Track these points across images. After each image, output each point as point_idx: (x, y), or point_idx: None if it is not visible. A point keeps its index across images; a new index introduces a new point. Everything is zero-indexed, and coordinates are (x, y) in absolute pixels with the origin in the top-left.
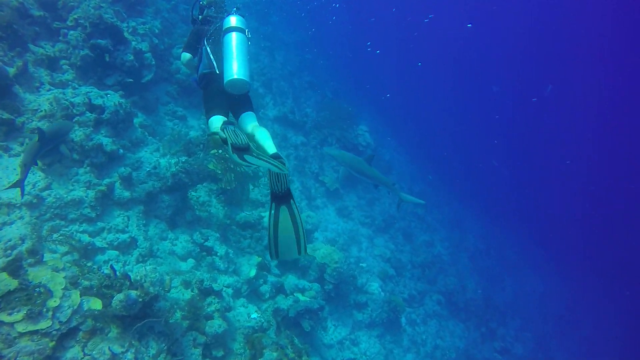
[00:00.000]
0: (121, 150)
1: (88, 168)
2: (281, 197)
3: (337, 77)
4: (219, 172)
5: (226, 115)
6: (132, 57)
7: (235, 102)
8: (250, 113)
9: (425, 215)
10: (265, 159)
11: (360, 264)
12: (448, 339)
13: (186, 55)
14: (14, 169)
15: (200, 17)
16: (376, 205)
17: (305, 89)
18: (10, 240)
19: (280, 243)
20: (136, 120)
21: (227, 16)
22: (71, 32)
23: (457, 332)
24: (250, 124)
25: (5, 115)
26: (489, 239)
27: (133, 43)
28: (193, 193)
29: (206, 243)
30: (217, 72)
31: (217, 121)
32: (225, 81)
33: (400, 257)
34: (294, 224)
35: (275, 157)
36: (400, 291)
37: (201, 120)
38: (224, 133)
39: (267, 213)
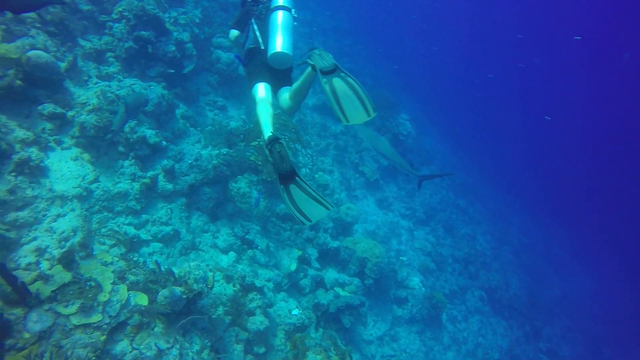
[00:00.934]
0: (164, 142)
1: (133, 161)
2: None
3: (376, 64)
4: (260, 163)
5: (270, 83)
6: (173, 48)
7: (276, 76)
8: (288, 88)
9: (467, 207)
10: (313, 192)
11: (401, 258)
12: (490, 337)
13: (234, 32)
14: (66, 162)
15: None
16: (417, 196)
17: None
18: (64, 232)
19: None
20: (178, 112)
21: None
22: (116, 24)
23: (499, 330)
24: (287, 92)
25: (58, 110)
26: (534, 233)
27: (174, 34)
28: (234, 184)
29: (247, 236)
30: (262, 47)
31: (260, 89)
32: (268, 54)
33: (441, 251)
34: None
35: (273, 139)
36: (441, 286)
37: (241, 110)
38: (270, 157)
39: None
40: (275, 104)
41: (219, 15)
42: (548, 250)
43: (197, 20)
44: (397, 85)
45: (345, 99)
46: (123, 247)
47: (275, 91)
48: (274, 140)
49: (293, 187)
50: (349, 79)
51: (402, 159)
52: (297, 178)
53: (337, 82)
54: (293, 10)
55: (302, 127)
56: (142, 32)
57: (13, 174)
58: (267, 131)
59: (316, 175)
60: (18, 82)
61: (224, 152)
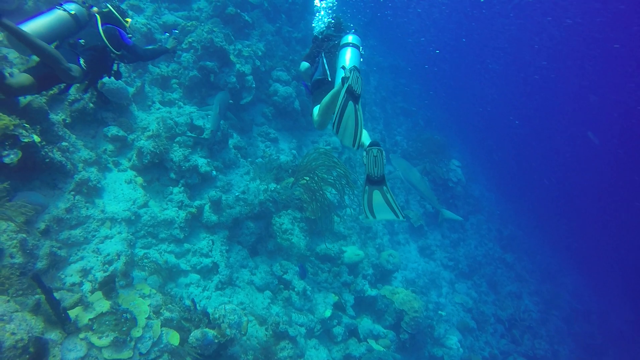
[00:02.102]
0: (214, 172)
1: (182, 188)
2: (375, 182)
3: (430, 104)
4: (306, 199)
5: None
6: (234, 79)
7: None
8: None
9: (514, 263)
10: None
11: (439, 312)
12: None
13: (305, 64)
14: (120, 184)
15: (321, 35)
16: (461, 247)
17: (397, 114)
18: (108, 255)
19: (376, 215)
20: (231, 141)
21: (345, 34)
22: (184, 54)
23: None
24: None
25: (121, 133)
26: (589, 299)
27: (237, 65)
28: (277, 219)
29: (285, 276)
30: (329, 79)
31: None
32: (337, 82)
33: (483, 309)
34: (388, 204)
35: (373, 144)
36: (480, 348)
37: (292, 144)
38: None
39: (348, 247)
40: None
41: (281, 49)
42: (605, 321)
43: (260, 53)
44: (450, 127)
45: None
46: (162, 278)
47: None
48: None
49: (376, 193)
50: (388, 196)
51: (432, 192)
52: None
53: (377, 195)
54: (361, 48)
55: (351, 165)
56: (207, 63)
57: (72, 192)
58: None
59: (360, 217)
60: (91, 105)
61: (272, 188)
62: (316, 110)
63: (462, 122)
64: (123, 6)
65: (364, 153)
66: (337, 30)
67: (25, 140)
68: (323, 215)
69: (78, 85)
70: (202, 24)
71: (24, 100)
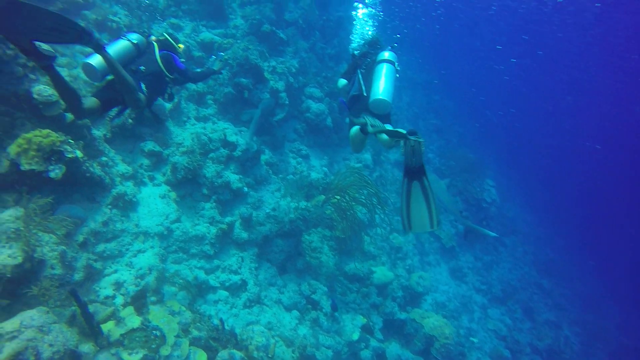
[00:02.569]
0: (245, 189)
1: (214, 204)
2: (414, 172)
3: (463, 121)
4: (336, 218)
5: None
6: (268, 96)
7: (377, 118)
8: (388, 125)
9: (552, 289)
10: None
11: (471, 338)
12: None
13: (342, 81)
14: (155, 199)
15: (358, 52)
16: (494, 269)
17: (430, 132)
18: (141, 269)
19: (412, 217)
20: (263, 157)
21: (381, 51)
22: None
23: None
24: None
25: (157, 148)
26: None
27: (271, 82)
28: (306, 236)
29: (313, 296)
30: (365, 94)
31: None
32: (370, 100)
33: (518, 337)
34: (426, 200)
35: (411, 133)
36: None
37: (323, 161)
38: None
39: (377, 268)
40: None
41: (315, 65)
42: None
43: (294, 70)
44: (483, 145)
45: (416, 210)
46: (191, 294)
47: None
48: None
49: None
50: (428, 191)
51: (456, 205)
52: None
53: (415, 191)
54: (396, 64)
55: (382, 183)
56: (242, 80)
57: (110, 206)
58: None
59: (390, 237)
60: (130, 121)
61: (302, 206)
62: (353, 130)
63: (496, 140)
64: (165, 24)
65: (402, 142)
66: (373, 48)
67: (70, 155)
68: (353, 234)
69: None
70: (238, 42)
71: (70, 116)
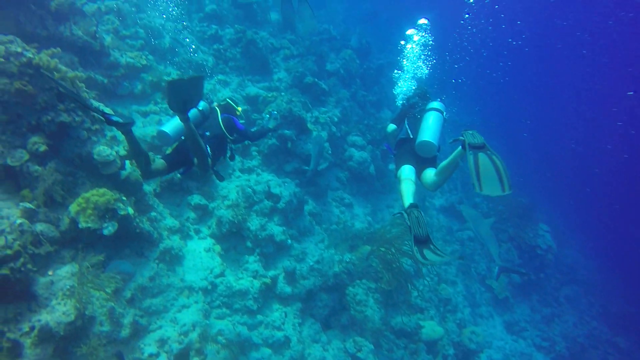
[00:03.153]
0: (289, 241)
1: (258, 257)
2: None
3: (511, 163)
4: (380, 270)
5: (414, 167)
6: (311, 147)
7: (422, 162)
8: (432, 168)
9: (633, 350)
10: (442, 255)
11: None
12: None
13: (392, 126)
14: (200, 252)
15: (407, 102)
16: (556, 323)
17: None
18: (185, 325)
19: (483, 179)
20: (306, 208)
21: (431, 101)
22: (260, 121)
23: None
24: (432, 172)
25: (203, 202)
26: None
27: (314, 133)
28: (351, 289)
29: (359, 354)
30: (412, 137)
31: (406, 170)
32: (417, 142)
33: None
34: (494, 165)
35: (413, 206)
36: None
37: (367, 209)
38: (409, 220)
39: (426, 322)
40: (418, 182)
41: (356, 113)
42: None
43: (336, 119)
44: (534, 186)
45: (486, 173)
46: (233, 353)
47: (419, 173)
48: (413, 206)
49: (427, 252)
50: (495, 157)
51: (496, 245)
52: (431, 245)
53: (482, 157)
54: (445, 113)
55: (428, 230)
56: (286, 131)
57: (157, 261)
58: (408, 201)
59: (439, 287)
60: (178, 175)
61: (347, 260)
62: (401, 170)
63: (548, 179)
64: (213, 81)
65: (405, 215)
66: (422, 99)
67: (122, 213)
68: (399, 286)
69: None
70: (282, 94)
71: (124, 173)
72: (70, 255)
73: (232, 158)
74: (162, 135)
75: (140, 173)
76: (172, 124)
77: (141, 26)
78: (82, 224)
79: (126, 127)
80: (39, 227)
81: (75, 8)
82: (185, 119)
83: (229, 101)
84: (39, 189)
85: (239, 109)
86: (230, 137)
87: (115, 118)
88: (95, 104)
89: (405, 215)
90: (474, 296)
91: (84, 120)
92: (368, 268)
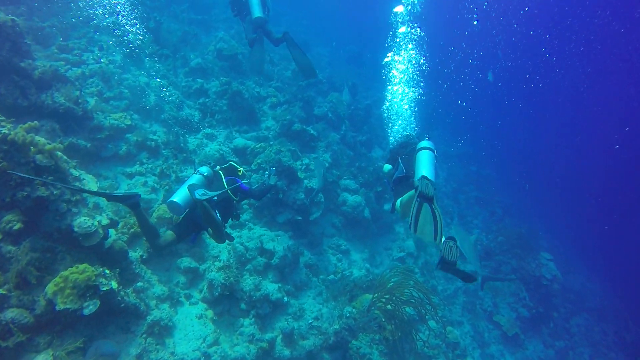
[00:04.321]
0: (285, 298)
1: (253, 319)
2: (449, 264)
3: (506, 190)
4: (383, 321)
5: None
6: (303, 196)
7: None
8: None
9: None
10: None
11: None
12: None
13: (388, 166)
14: (191, 320)
15: (397, 145)
16: (571, 357)
17: (471, 205)
18: None
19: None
20: (302, 259)
21: (419, 140)
22: (254, 175)
23: None
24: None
25: (193, 264)
26: None
27: (305, 182)
28: (354, 342)
29: None
30: (409, 175)
31: (406, 196)
32: (416, 179)
33: None
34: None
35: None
36: None
37: (364, 254)
38: (442, 246)
39: None
40: None
41: (347, 155)
42: None
43: (327, 165)
44: (531, 211)
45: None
46: None
47: None
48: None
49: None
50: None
51: (478, 259)
52: (433, 204)
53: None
54: (435, 151)
55: (428, 269)
56: (277, 182)
57: (144, 335)
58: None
59: (446, 330)
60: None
61: (347, 314)
62: (398, 202)
63: (546, 204)
64: (200, 136)
65: (442, 245)
66: (410, 139)
67: (105, 288)
68: (403, 335)
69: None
70: (271, 144)
71: (108, 242)
72: (45, 341)
73: (237, 218)
74: (173, 205)
75: (150, 246)
76: (182, 194)
77: (126, 86)
78: (60, 306)
79: (130, 201)
80: (10, 314)
81: (59, 75)
82: (197, 195)
83: (232, 163)
84: (11, 271)
85: (241, 169)
86: (236, 199)
87: (117, 193)
88: (93, 185)
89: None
90: (482, 335)
91: (63, 192)
92: (370, 322)
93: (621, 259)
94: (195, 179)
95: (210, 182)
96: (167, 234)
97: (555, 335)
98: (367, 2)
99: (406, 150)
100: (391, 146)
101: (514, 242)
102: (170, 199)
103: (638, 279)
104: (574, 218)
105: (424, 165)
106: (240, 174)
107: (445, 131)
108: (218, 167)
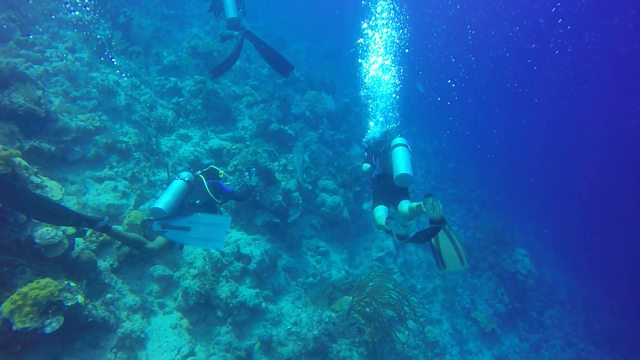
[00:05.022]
0: (263, 304)
1: (230, 327)
2: (438, 222)
3: (483, 185)
4: (362, 323)
5: (387, 206)
6: (280, 198)
7: (397, 194)
8: (406, 200)
9: None
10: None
11: None
12: None
13: (367, 166)
14: (165, 330)
15: (373, 142)
16: (545, 350)
17: (449, 202)
18: None
19: (444, 259)
20: (280, 263)
21: (392, 138)
22: (230, 177)
23: None
24: (406, 204)
25: (167, 272)
26: None
27: (282, 183)
28: (335, 345)
29: None
30: (387, 172)
31: (379, 210)
32: (395, 175)
33: None
34: (452, 243)
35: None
36: None
37: (343, 255)
38: (424, 207)
39: None
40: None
41: (326, 154)
42: None
43: (305, 165)
44: (508, 207)
45: (446, 252)
46: None
47: (395, 205)
48: (429, 196)
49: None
50: (452, 233)
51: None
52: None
53: (442, 237)
54: (409, 147)
55: (407, 268)
56: (258, 183)
57: (114, 350)
58: (414, 204)
59: (425, 330)
60: None
61: (326, 319)
62: (375, 210)
63: (521, 198)
64: (173, 137)
65: (422, 204)
66: (385, 137)
67: (69, 303)
68: (383, 337)
69: None
70: (247, 144)
71: (75, 252)
72: None
73: None
74: (156, 211)
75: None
76: (165, 199)
77: (94, 85)
78: (18, 325)
79: (98, 226)
80: None
81: (17, 72)
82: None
83: (213, 166)
84: None
85: (221, 172)
86: (219, 201)
87: (87, 216)
88: (57, 192)
89: (421, 204)
90: (460, 333)
91: None
92: (350, 327)
93: (590, 248)
94: (177, 184)
95: (192, 187)
96: (158, 239)
97: (530, 329)
98: None
99: (382, 149)
100: (366, 145)
101: (490, 239)
102: (154, 205)
103: (606, 267)
104: (547, 210)
105: (401, 161)
106: (221, 176)
107: (424, 128)
108: (199, 172)
